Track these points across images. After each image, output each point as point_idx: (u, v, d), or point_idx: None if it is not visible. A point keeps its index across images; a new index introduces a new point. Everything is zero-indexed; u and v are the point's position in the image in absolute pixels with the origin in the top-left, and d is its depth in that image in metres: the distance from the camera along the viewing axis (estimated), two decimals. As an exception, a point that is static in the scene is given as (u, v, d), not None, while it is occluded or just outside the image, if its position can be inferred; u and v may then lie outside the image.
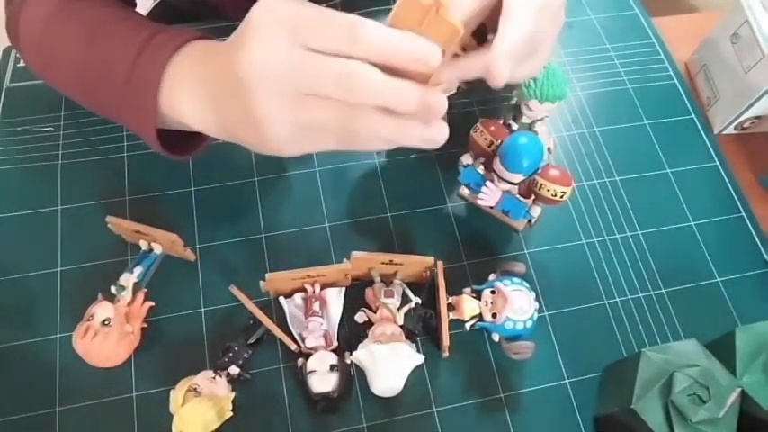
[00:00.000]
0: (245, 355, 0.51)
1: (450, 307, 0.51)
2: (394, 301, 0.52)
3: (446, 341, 0.50)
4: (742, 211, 0.61)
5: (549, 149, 0.58)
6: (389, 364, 0.48)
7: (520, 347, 0.50)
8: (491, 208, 0.55)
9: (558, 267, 0.58)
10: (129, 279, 0.52)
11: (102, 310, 0.50)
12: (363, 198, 0.60)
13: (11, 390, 0.50)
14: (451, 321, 0.51)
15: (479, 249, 0.58)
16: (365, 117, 0.35)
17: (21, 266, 0.55)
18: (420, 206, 0.60)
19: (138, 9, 0.61)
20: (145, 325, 0.52)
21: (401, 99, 0.34)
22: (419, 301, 0.52)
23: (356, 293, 0.54)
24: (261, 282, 0.51)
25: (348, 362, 0.50)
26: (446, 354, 0.51)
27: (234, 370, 0.49)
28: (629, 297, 0.56)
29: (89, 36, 0.48)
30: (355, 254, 0.51)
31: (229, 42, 0.38)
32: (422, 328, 0.52)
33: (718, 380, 0.44)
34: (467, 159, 0.56)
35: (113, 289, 0.51)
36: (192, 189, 0.60)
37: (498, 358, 0.53)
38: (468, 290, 0.53)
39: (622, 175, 0.63)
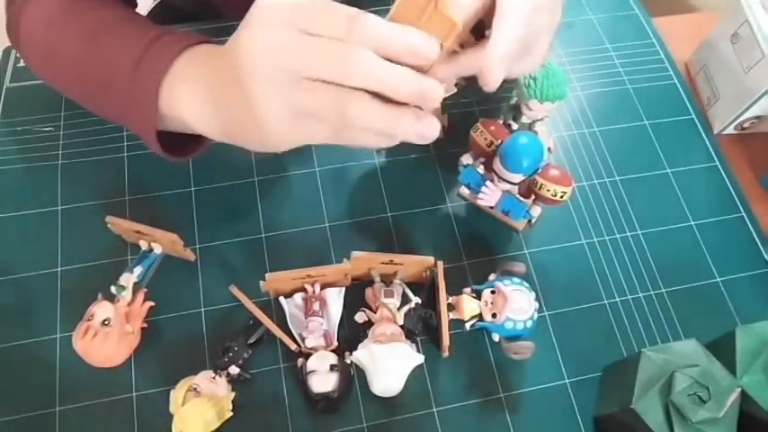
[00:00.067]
0: (245, 355, 0.51)
1: (450, 307, 0.51)
2: (394, 301, 0.52)
3: (446, 341, 0.50)
4: (742, 211, 0.61)
5: (549, 149, 0.58)
6: (389, 364, 0.48)
7: (520, 347, 0.50)
8: (491, 208, 0.55)
9: (558, 267, 0.58)
10: (129, 279, 0.52)
11: (102, 310, 0.50)
12: (363, 198, 0.60)
13: (11, 390, 0.50)
14: (451, 321, 0.51)
15: (479, 249, 0.58)
16: (360, 104, 0.35)
17: (21, 266, 0.55)
18: (420, 206, 0.60)
19: (138, 9, 0.61)
20: (145, 325, 0.52)
21: (397, 83, 0.34)
22: (419, 301, 0.52)
23: (356, 293, 0.54)
24: (261, 282, 0.51)
25: (348, 362, 0.50)
26: (446, 354, 0.51)
27: (234, 370, 0.49)
28: (629, 297, 0.56)
29: (92, 36, 0.48)
30: (355, 254, 0.51)
31: (232, 39, 0.38)
32: (422, 328, 0.52)
33: (718, 380, 0.44)
34: (467, 159, 0.56)
35: (113, 289, 0.51)
36: (192, 189, 0.60)
37: (498, 358, 0.53)
38: (468, 290, 0.53)
39: (622, 175, 0.63)
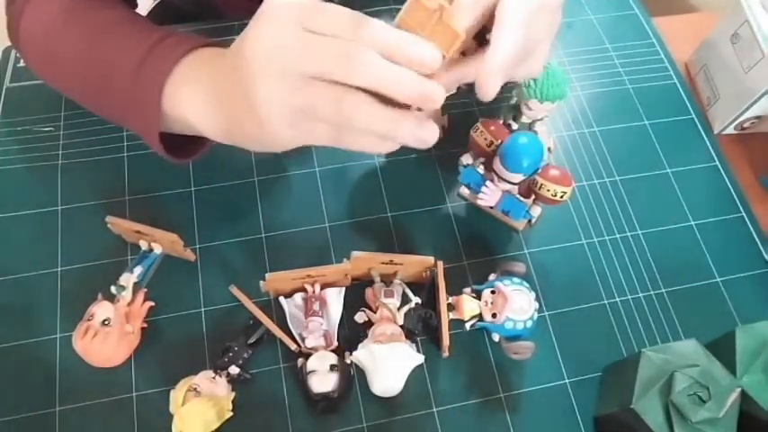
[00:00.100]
0: (245, 355, 0.51)
1: (450, 307, 0.51)
2: (394, 301, 0.52)
3: (446, 341, 0.50)
4: (742, 211, 0.61)
5: (549, 149, 0.58)
6: (389, 364, 0.48)
7: (520, 347, 0.50)
8: (491, 208, 0.55)
9: (558, 267, 0.58)
10: (129, 279, 0.52)
11: (102, 310, 0.50)
12: (363, 198, 0.60)
13: (11, 390, 0.50)
14: (451, 321, 0.51)
15: (479, 249, 0.58)
16: (362, 104, 0.35)
17: (21, 266, 0.55)
18: (420, 206, 0.60)
19: (138, 9, 0.61)
20: (145, 325, 0.52)
21: (400, 84, 0.35)
22: (419, 301, 0.52)
23: (356, 293, 0.54)
24: (261, 282, 0.51)
25: (348, 362, 0.50)
26: (446, 354, 0.51)
27: (234, 370, 0.49)
28: (629, 297, 0.56)
29: (95, 36, 0.48)
30: (355, 254, 0.51)
31: (239, 38, 0.39)
32: (422, 328, 0.52)
33: (718, 380, 0.44)
34: (467, 159, 0.56)
35: (113, 289, 0.51)
36: (192, 189, 0.60)
37: (498, 358, 0.53)
38: (468, 290, 0.53)
39: (622, 175, 0.63)
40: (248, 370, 0.51)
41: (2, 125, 0.63)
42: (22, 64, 0.67)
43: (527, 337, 0.50)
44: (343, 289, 0.54)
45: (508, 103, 0.60)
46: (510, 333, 0.50)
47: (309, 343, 0.50)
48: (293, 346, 0.51)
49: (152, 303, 0.53)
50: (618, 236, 0.60)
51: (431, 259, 0.52)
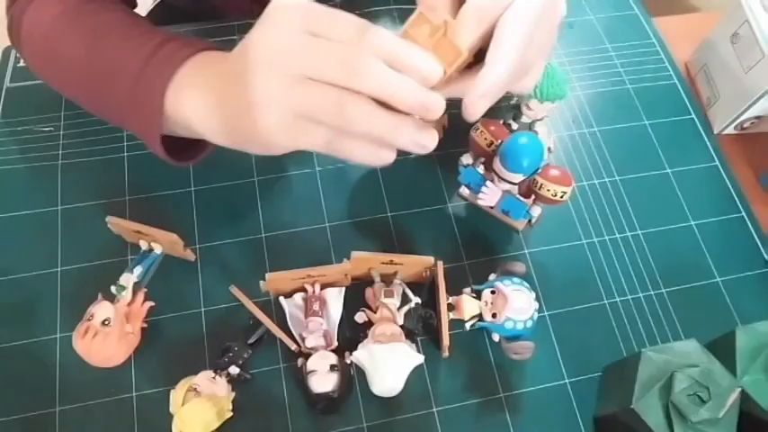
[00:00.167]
0: (245, 355, 0.51)
1: (451, 307, 0.51)
2: (394, 301, 0.52)
3: (446, 341, 0.50)
4: (742, 211, 0.61)
5: (549, 149, 0.58)
6: (389, 364, 0.48)
7: (520, 347, 0.50)
8: (491, 208, 0.55)
9: (558, 267, 0.58)
10: (129, 279, 0.52)
11: (102, 310, 0.50)
12: (363, 198, 0.60)
13: (11, 390, 0.50)
14: (451, 321, 0.51)
15: (479, 249, 0.58)
16: (362, 106, 0.35)
17: (21, 266, 0.55)
18: (420, 206, 0.60)
19: (137, 9, 0.61)
20: (145, 325, 0.52)
21: (402, 92, 0.35)
22: (419, 301, 0.52)
23: (356, 293, 0.54)
24: (261, 282, 0.51)
25: (348, 362, 0.50)
26: (446, 354, 0.51)
27: (234, 370, 0.49)
28: (629, 297, 0.56)
29: (97, 37, 0.48)
30: (355, 254, 0.51)
31: (245, 38, 0.39)
32: (422, 328, 0.52)
33: (718, 380, 0.44)
34: (467, 159, 0.56)
35: (113, 289, 0.51)
36: (192, 189, 0.60)
37: (498, 358, 0.53)
38: (468, 290, 0.53)
39: (622, 175, 0.63)
40: (248, 370, 0.51)
41: (2, 125, 0.63)
42: (22, 64, 0.67)
43: (527, 337, 0.50)
44: (344, 289, 0.54)
45: (508, 103, 0.60)
46: (510, 333, 0.50)
47: (309, 343, 0.50)
48: (293, 346, 0.51)
49: (152, 303, 0.53)
50: (618, 236, 0.60)
51: (431, 259, 0.52)
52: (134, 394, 0.50)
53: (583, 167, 0.63)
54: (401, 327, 0.51)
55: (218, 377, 0.48)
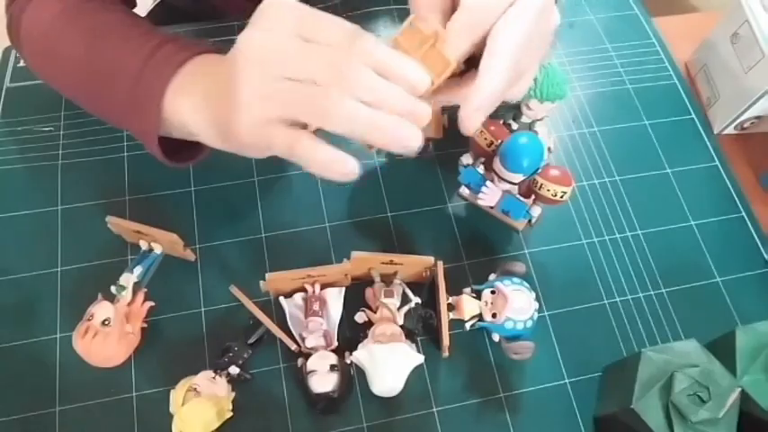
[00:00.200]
0: (245, 355, 0.51)
1: (451, 307, 0.51)
2: (394, 301, 0.52)
3: (446, 341, 0.50)
4: (742, 211, 0.61)
5: (549, 149, 0.58)
6: (389, 364, 0.48)
7: (520, 347, 0.50)
8: (491, 208, 0.55)
9: (558, 267, 0.58)
10: (129, 279, 0.52)
11: (102, 310, 0.50)
12: (363, 198, 0.60)
13: (11, 390, 0.50)
14: (451, 321, 0.51)
15: (479, 249, 0.58)
16: (345, 98, 0.35)
17: (21, 266, 0.55)
18: (420, 206, 0.60)
19: (137, 9, 0.61)
20: (145, 325, 0.52)
21: (389, 98, 0.35)
22: (419, 301, 0.52)
23: (356, 293, 0.54)
24: (261, 282, 0.51)
25: (348, 362, 0.50)
26: (446, 354, 0.51)
27: (234, 370, 0.49)
28: (629, 297, 0.56)
29: (97, 37, 0.48)
30: (355, 254, 0.51)
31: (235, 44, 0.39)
32: (422, 328, 0.52)
33: (718, 380, 0.44)
34: (467, 159, 0.56)
35: (113, 289, 0.51)
36: (192, 189, 0.60)
37: (498, 358, 0.53)
38: (468, 290, 0.53)
39: (622, 175, 0.63)
40: (248, 370, 0.51)
41: (2, 125, 0.63)
42: (22, 64, 0.67)
43: (527, 337, 0.50)
44: (344, 289, 0.54)
45: (508, 103, 0.60)
46: (510, 333, 0.50)
47: (309, 343, 0.50)
48: (293, 346, 0.51)
49: (152, 303, 0.53)
50: (618, 236, 0.60)
51: (431, 259, 0.52)
52: (134, 394, 0.50)
53: (583, 167, 0.63)
54: (401, 327, 0.51)
55: (218, 377, 0.48)
